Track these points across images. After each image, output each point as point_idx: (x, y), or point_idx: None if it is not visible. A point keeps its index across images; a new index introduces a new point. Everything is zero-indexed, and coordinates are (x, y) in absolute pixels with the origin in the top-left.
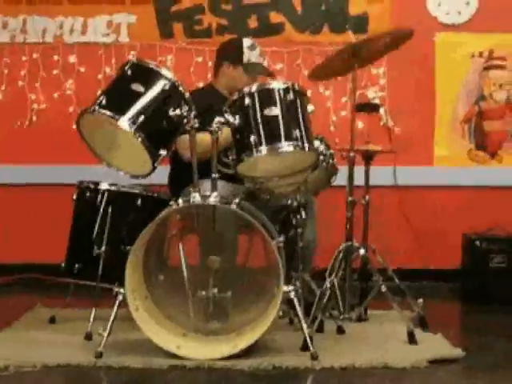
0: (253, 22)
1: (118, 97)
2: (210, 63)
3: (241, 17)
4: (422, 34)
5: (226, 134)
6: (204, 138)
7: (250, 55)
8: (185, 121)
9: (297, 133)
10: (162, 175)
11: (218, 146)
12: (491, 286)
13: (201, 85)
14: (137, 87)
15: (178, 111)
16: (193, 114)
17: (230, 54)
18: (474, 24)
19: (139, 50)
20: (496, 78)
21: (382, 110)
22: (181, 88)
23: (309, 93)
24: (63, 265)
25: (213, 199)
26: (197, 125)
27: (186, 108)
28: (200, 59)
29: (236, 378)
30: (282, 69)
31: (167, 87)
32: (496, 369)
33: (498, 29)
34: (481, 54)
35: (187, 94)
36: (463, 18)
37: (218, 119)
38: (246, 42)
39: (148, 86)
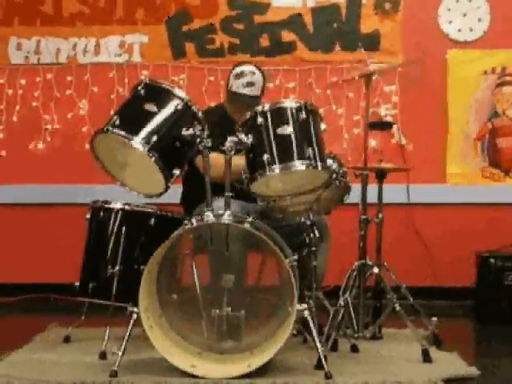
0: (264, 41)
1: (132, 117)
2: (222, 82)
3: (253, 36)
4: (434, 51)
5: (237, 163)
6: (218, 159)
7: (233, 84)
8: (198, 140)
9: (309, 151)
10: (174, 194)
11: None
12: (505, 303)
13: (213, 104)
14: (150, 107)
15: (190, 131)
16: (206, 133)
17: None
18: (486, 40)
19: (151, 69)
20: (509, 95)
21: (394, 128)
22: (193, 107)
23: (321, 111)
24: (77, 284)
25: (226, 218)
26: (210, 144)
27: (198, 127)
28: (212, 78)
29: None
30: (295, 87)
31: (180, 107)
32: None
33: (510, 45)
34: (493, 71)
35: (200, 114)
36: (475, 34)
37: (231, 139)
38: (238, 69)
39: (161, 105)
